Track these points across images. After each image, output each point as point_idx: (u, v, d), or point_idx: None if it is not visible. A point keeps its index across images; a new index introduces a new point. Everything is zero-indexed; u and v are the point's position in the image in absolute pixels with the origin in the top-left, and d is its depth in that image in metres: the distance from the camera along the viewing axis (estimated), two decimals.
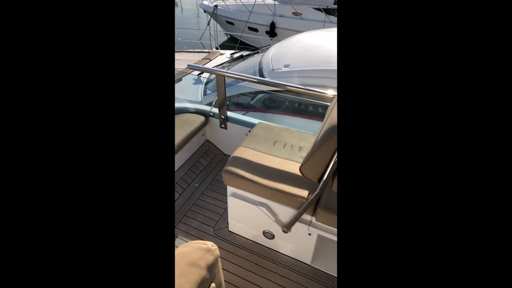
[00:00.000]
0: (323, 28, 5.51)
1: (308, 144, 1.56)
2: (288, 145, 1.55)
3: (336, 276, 1.47)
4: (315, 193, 1.18)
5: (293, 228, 1.39)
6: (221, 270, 0.90)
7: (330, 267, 1.50)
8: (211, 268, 0.80)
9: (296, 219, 1.31)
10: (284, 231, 1.40)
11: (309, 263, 1.51)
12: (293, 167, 1.40)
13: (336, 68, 2.66)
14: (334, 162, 1.03)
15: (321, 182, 1.12)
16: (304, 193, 1.28)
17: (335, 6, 6.43)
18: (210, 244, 0.84)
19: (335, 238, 1.31)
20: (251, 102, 3.18)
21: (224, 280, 1.44)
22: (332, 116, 1.07)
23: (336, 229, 1.29)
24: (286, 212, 1.38)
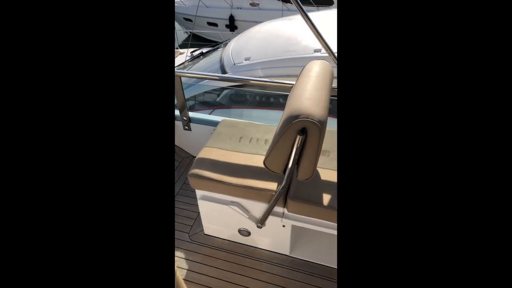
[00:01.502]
0: (282, 16, 5.51)
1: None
2: (254, 140, 1.53)
3: (315, 262, 1.49)
4: (282, 185, 1.17)
5: (267, 222, 1.39)
6: None
7: (308, 254, 1.51)
8: None
9: (268, 213, 1.31)
10: (258, 227, 1.39)
11: (288, 253, 1.51)
12: (260, 162, 1.38)
13: (296, 56, 2.66)
14: (296, 151, 1.03)
15: (286, 173, 1.12)
16: (272, 186, 1.27)
17: None
18: None
19: (308, 226, 1.32)
20: (217, 99, 3.13)
21: (206, 286, 1.41)
22: (288, 106, 1.06)
23: (308, 217, 1.30)
24: (258, 208, 1.36)
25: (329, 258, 1.50)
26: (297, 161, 1.08)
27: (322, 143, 1.02)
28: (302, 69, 1.33)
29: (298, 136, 0.98)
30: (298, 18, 3.29)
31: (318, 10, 5.35)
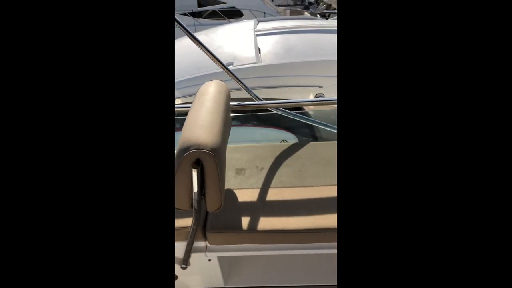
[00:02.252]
0: (195, 31, 5.44)
1: None
2: None
3: (252, 286, 1.42)
4: (193, 221, 1.08)
5: (191, 260, 1.27)
6: None
7: (244, 280, 1.43)
8: None
9: (188, 251, 1.19)
10: (183, 268, 1.27)
11: (223, 285, 1.41)
12: None
13: (210, 72, 2.60)
14: (197, 184, 0.95)
15: (194, 208, 1.03)
16: (187, 222, 1.16)
17: (200, 9, 6.42)
18: None
19: (234, 253, 1.24)
20: None
21: None
22: (180, 136, 0.97)
23: (231, 245, 1.22)
24: (178, 248, 1.24)
25: (265, 278, 1.44)
26: (203, 193, 0.99)
27: (222, 170, 0.95)
28: (197, 92, 1.26)
29: (193, 169, 0.90)
30: (210, 32, 3.24)
31: (230, 22, 5.42)
